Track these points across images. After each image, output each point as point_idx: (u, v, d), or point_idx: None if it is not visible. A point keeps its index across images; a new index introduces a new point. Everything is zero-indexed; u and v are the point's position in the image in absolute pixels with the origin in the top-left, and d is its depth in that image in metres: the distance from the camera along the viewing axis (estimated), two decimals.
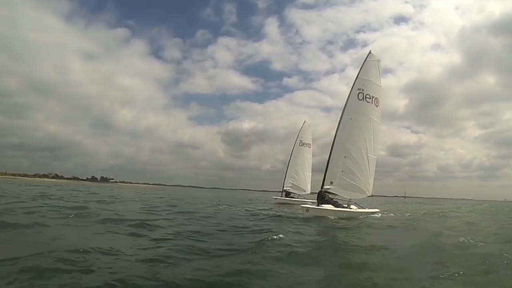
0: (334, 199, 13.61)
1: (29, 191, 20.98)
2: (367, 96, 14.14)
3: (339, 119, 13.52)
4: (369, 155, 13.91)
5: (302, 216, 11.72)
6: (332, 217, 11.83)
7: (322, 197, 13.51)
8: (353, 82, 14.24)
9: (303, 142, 26.31)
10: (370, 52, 14.95)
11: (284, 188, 25.83)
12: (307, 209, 11.79)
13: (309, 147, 26.98)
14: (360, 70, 14.47)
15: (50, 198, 15.48)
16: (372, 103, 14.27)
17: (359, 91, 14.03)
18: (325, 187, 12.86)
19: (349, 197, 13.61)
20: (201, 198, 27.06)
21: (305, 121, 27.69)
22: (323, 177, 12.96)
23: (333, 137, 13.31)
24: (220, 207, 16.27)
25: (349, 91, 14.06)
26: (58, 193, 21.36)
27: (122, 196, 23.49)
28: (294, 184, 25.27)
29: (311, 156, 27.16)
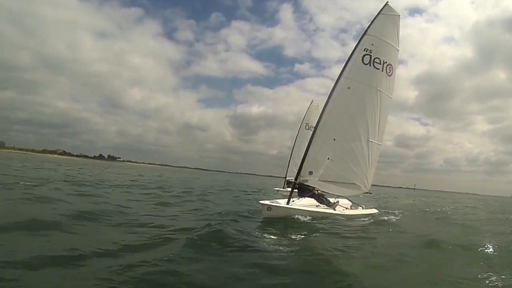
0: (319, 192, 10.05)
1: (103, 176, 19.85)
2: (376, 60, 10.17)
3: (332, 88, 9.69)
4: (370, 139, 10.07)
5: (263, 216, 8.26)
6: (304, 218, 8.28)
7: (301, 189, 9.99)
8: (358, 40, 10.29)
9: (309, 125, 22.00)
10: (387, 4, 10.81)
11: (287, 178, 22.35)
12: (269, 207, 8.24)
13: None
14: (370, 25, 10.42)
15: None
16: (383, 70, 10.31)
17: (365, 53, 10.07)
18: (301, 178, 9.21)
19: (336, 193, 9.96)
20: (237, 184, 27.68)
21: (312, 101, 23.24)
22: (300, 164, 9.28)
23: (320, 111, 9.53)
24: None
25: (351, 51, 10.14)
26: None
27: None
28: None
29: None
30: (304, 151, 9.42)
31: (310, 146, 9.22)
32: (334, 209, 9.50)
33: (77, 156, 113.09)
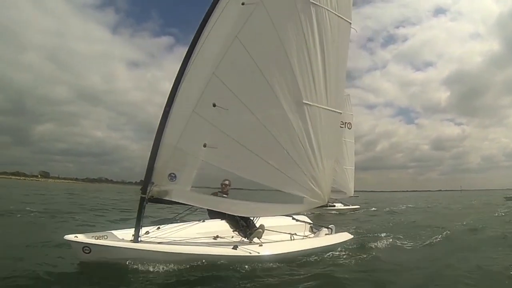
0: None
1: None
2: None
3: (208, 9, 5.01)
4: (305, 101, 5.02)
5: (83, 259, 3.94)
6: (165, 267, 3.74)
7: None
8: None
9: (344, 122, 17.75)
10: None
11: None
12: (86, 247, 3.84)
13: (350, 127, 18.52)
14: None
15: None
16: None
17: None
18: (153, 188, 4.52)
19: (242, 214, 5.14)
20: None
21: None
22: (147, 164, 4.62)
23: (182, 60, 4.82)
24: None
25: None
26: None
27: None
28: None
29: (353, 141, 19.06)
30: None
31: (166, 124, 4.59)
32: (239, 245, 4.54)
33: (122, 183, 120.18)
